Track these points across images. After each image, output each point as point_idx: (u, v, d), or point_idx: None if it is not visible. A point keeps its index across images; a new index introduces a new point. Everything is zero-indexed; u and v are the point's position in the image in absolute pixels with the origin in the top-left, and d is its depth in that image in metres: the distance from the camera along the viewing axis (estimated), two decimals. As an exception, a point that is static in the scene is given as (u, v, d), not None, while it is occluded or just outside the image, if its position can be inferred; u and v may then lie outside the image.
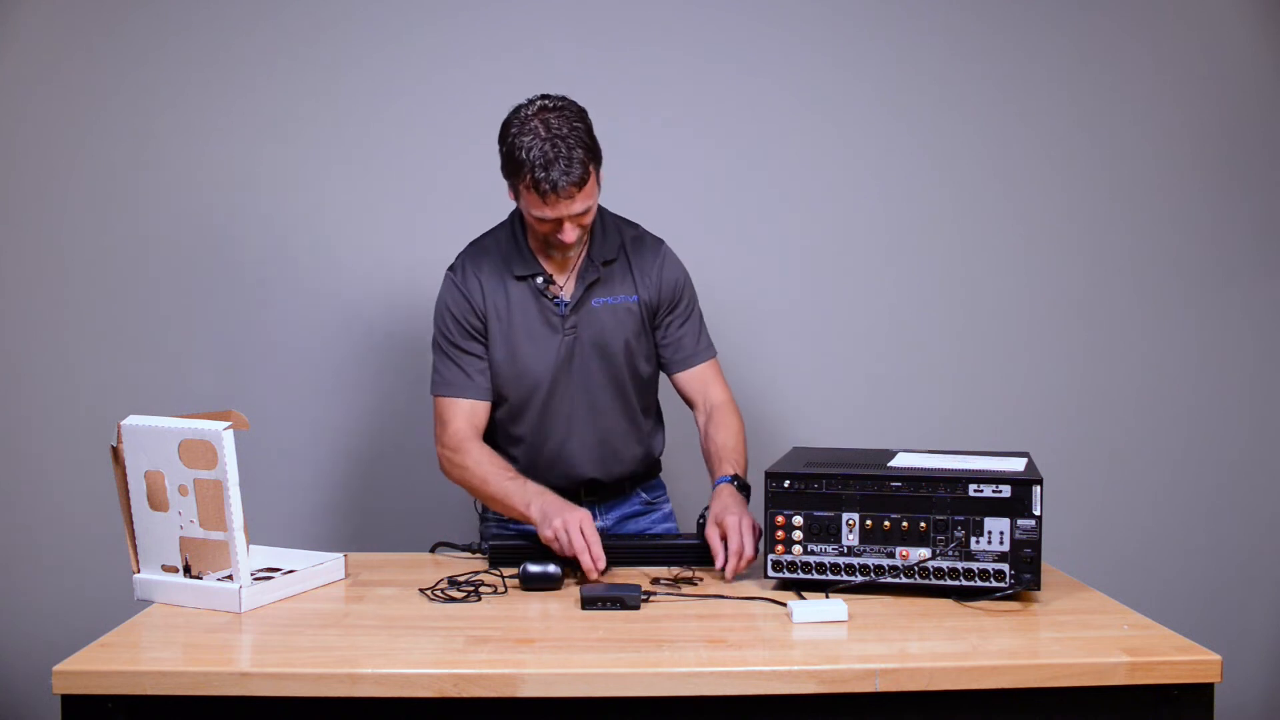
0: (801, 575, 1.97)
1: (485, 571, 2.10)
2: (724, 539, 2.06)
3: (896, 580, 1.94)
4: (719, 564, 2.05)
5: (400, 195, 3.00)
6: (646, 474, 2.46)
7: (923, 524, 1.92)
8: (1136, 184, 3.10)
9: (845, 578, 1.96)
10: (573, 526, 2.03)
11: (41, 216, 2.94)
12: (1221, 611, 3.10)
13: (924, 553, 1.93)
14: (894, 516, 1.94)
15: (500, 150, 2.13)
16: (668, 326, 2.35)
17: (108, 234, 2.94)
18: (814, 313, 3.07)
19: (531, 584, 2.01)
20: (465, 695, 1.58)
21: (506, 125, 2.12)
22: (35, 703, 2.84)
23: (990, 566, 1.90)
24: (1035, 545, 1.89)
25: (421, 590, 1.98)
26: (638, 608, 1.88)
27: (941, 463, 2.03)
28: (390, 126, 2.98)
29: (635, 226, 2.37)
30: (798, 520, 1.97)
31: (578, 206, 2.10)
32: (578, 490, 2.34)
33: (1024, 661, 1.64)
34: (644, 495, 2.46)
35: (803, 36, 3.03)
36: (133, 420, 1.92)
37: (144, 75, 2.93)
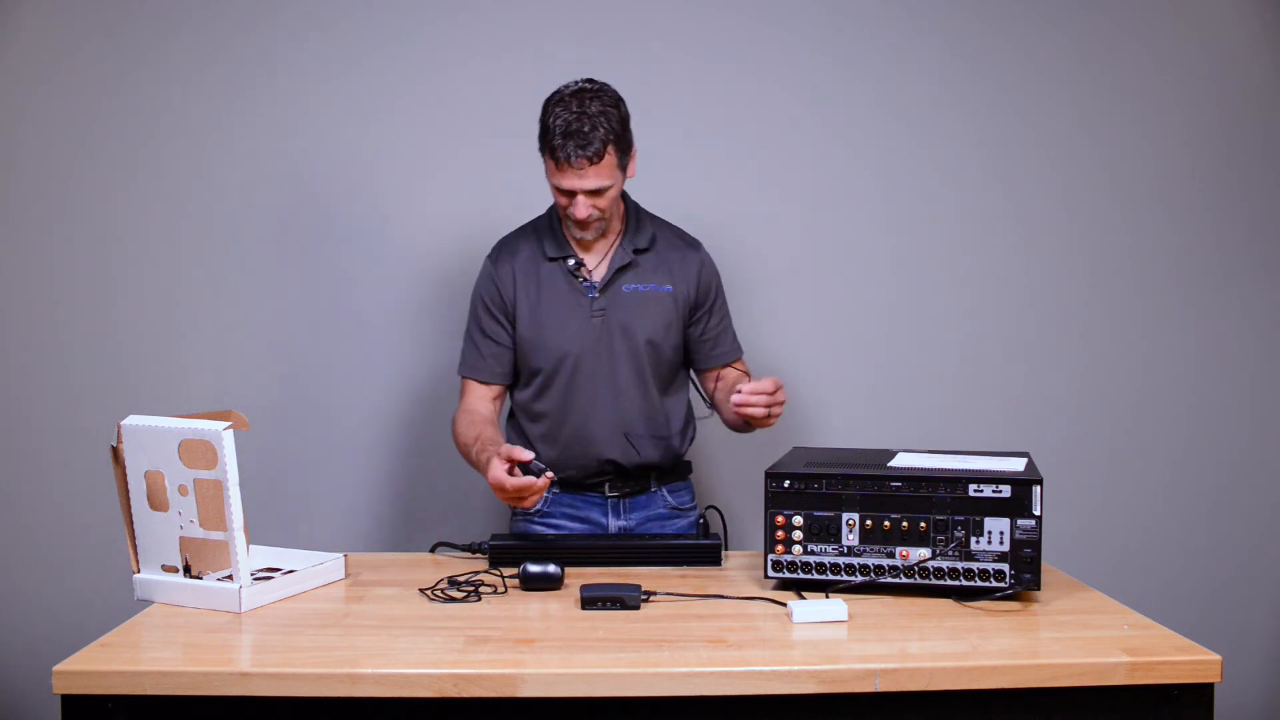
0: (801, 575, 1.97)
1: (485, 571, 2.10)
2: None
3: (896, 580, 1.94)
4: (746, 399, 2.12)
5: (399, 196, 3.00)
6: (672, 471, 2.48)
7: (923, 524, 1.92)
8: (1136, 184, 3.10)
9: (845, 578, 1.96)
10: (492, 470, 2.08)
11: (41, 216, 2.94)
12: (1221, 611, 3.10)
13: (924, 553, 1.93)
14: (894, 516, 1.94)
15: (538, 122, 2.25)
16: (703, 323, 2.43)
17: (107, 234, 2.94)
18: (814, 313, 3.07)
19: (531, 584, 2.01)
20: (465, 695, 1.58)
21: (547, 101, 2.25)
22: (35, 703, 2.84)
23: (990, 566, 1.90)
24: (1035, 545, 1.89)
25: (421, 590, 1.98)
26: (638, 608, 1.88)
27: (941, 463, 2.03)
28: (390, 128, 2.98)
29: (673, 226, 2.47)
30: (798, 520, 1.97)
31: (589, 181, 2.20)
32: (601, 482, 2.40)
33: (1024, 661, 1.64)
34: (669, 498, 2.48)
35: (802, 36, 3.03)
36: (133, 420, 1.92)
37: (144, 75, 2.93)
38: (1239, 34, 3.09)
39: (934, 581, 1.93)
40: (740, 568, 2.17)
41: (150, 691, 1.58)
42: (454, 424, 2.40)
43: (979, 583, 1.91)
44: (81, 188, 2.94)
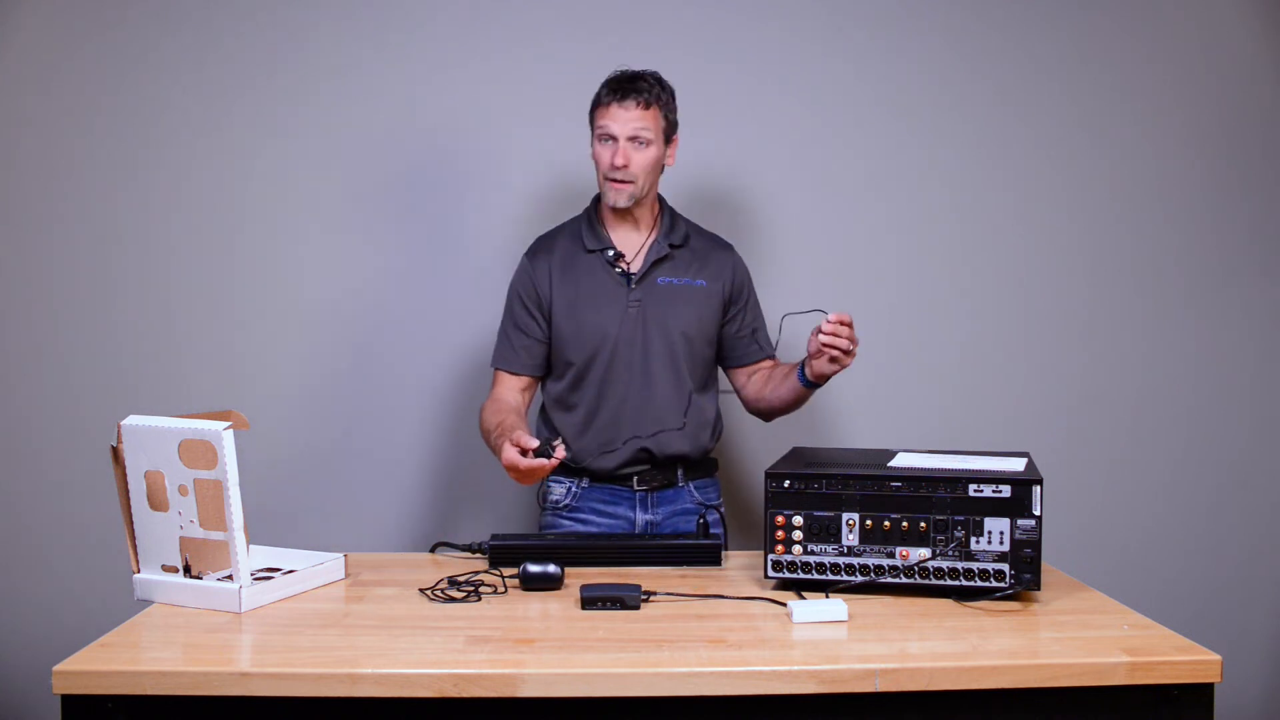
0: (801, 575, 1.97)
1: (485, 571, 2.10)
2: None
3: (896, 580, 1.94)
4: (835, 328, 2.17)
5: (399, 196, 3.00)
6: (699, 467, 2.51)
7: (923, 524, 1.93)
8: (1136, 184, 3.10)
9: (845, 578, 1.96)
10: (505, 453, 2.12)
11: (41, 216, 2.94)
12: (1221, 611, 3.10)
13: (924, 553, 1.93)
14: (894, 516, 1.94)
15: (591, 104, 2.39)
16: (738, 320, 2.51)
17: (108, 234, 2.94)
18: (813, 313, 3.07)
19: (531, 584, 2.01)
20: (465, 695, 1.58)
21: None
22: (35, 703, 2.84)
23: (990, 566, 1.90)
24: (1035, 545, 1.89)
25: (421, 590, 1.98)
26: (638, 608, 1.88)
27: (941, 463, 2.03)
28: (384, 130, 2.98)
29: (704, 229, 2.55)
30: (798, 520, 1.97)
31: (634, 123, 2.32)
32: (629, 475, 2.44)
33: (1024, 661, 1.64)
34: (696, 494, 2.50)
35: (802, 37, 3.03)
36: (133, 420, 1.92)
37: (143, 75, 2.93)
38: (1239, 34, 3.09)
39: (934, 581, 1.93)
40: (740, 568, 2.17)
41: (150, 691, 1.58)
42: (481, 411, 2.44)
43: (979, 583, 1.91)
44: (81, 188, 2.94)
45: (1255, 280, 3.12)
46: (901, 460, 2.07)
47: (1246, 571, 3.14)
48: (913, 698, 1.61)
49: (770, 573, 1.99)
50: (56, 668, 1.59)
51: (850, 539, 1.96)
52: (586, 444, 2.43)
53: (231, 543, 1.88)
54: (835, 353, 2.20)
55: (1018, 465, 2.01)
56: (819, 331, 2.19)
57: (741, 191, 3.03)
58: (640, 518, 2.46)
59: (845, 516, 1.96)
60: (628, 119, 2.32)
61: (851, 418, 3.08)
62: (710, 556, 2.19)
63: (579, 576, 2.03)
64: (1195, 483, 3.13)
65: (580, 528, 2.46)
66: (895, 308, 3.08)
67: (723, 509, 2.55)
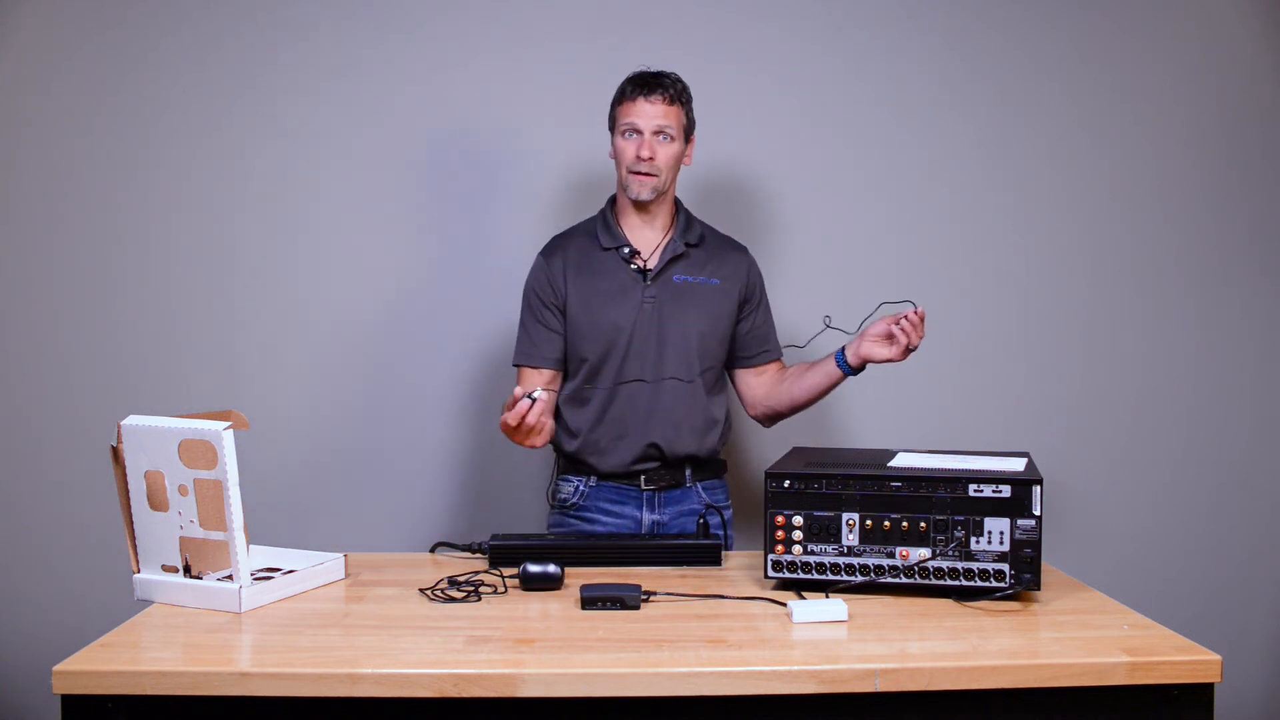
0: (801, 575, 1.97)
1: (485, 571, 2.10)
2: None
3: (896, 580, 1.94)
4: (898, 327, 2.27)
5: (398, 195, 3.00)
6: (707, 467, 2.52)
7: (923, 524, 1.93)
8: (1136, 184, 3.10)
9: (845, 578, 1.96)
10: (504, 423, 2.22)
11: (41, 216, 2.94)
12: (1221, 611, 3.10)
13: (924, 553, 1.93)
14: (894, 516, 1.94)
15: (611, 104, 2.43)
16: (750, 319, 2.53)
17: (108, 233, 2.94)
18: (813, 312, 3.06)
19: (531, 584, 2.01)
20: (465, 695, 1.58)
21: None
22: (35, 703, 2.84)
23: (990, 566, 1.90)
24: (1035, 545, 1.89)
25: (421, 590, 1.98)
26: (638, 608, 1.88)
27: (941, 463, 2.03)
28: (386, 129, 2.98)
29: (719, 232, 2.58)
30: (798, 520, 1.97)
31: (658, 118, 2.36)
32: (638, 474, 2.46)
33: (1024, 661, 1.64)
34: (704, 494, 2.51)
35: (802, 37, 3.03)
36: (133, 420, 1.92)
37: (143, 75, 2.93)
38: (1239, 34, 3.09)
39: (934, 581, 1.93)
40: (740, 568, 2.17)
41: (150, 691, 1.58)
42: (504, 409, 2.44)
43: (979, 583, 1.91)
44: (81, 188, 2.94)
45: (1255, 280, 3.12)
46: (901, 460, 2.07)
47: (1246, 571, 3.14)
48: (913, 698, 1.61)
49: (770, 573, 1.99)
50: (56, 668, 1.59)
51: (850, 539, 1.96)
52: (598, 438, 2.44)
53: (231, 543, 1.88)
54: (905, 343, 2.27)
55: (1018, 465, 2.01)
56: (903, 318, 2.26)
57: (740, 191, 3.03)
58: (647, 517, 2.47)
59: (845, 516, 1.96)
60: (653, 114, 2.36)
61: (851, 418, 3.08)
62: (710, 556, 2.19)
63: (579, 576, 2.03)
64: (1195, 483, 3.13)
65: (587, 527, 2.46)
66: (895, 307, 3.07)
67: (730, 511, 2.56)
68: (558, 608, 1.91)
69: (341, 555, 2.11)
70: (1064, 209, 3.09)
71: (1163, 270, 3.11)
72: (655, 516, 2.47)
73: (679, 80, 2.41)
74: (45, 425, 2.94)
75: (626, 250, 2.44)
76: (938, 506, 1.92)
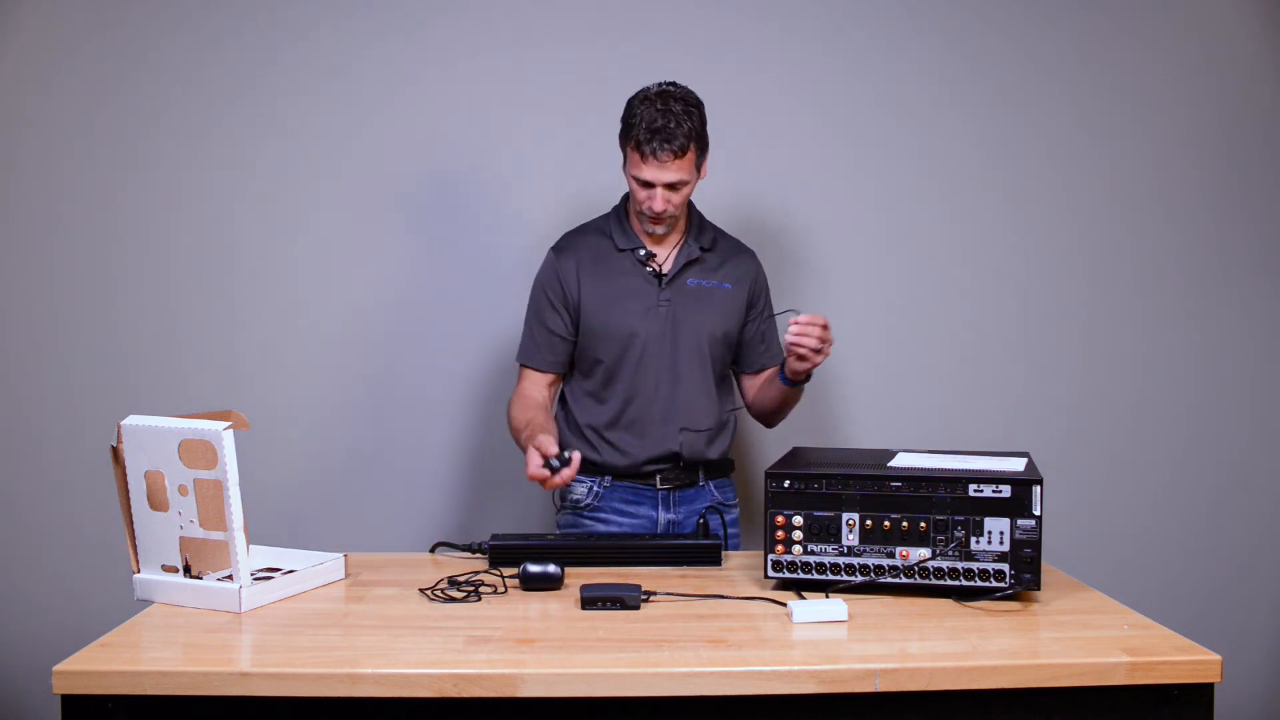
0: (801, 575, 1.97)
1: (485, 571, 2.10)
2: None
3: (896, 580, 1.94)
4: (803, 328, 2.19)
5: (398, 195, 3.00)
6: (719, 466, 2.54)
7: (923, 524, 1.93)
8: (1136, 184, 3.10)
9: (845, 578, 1.95)
10: (529, 460, 2.18)
11: (41, 216, 2.94)
12: (1221, 611, 3.10)
13: (924, 553, 1.93)
14: (894, 516, 1.94)
15: (621, 119, 2.35)
16: (754, 324, 2.54)
17: (108, 233, 2.94)
18: (813, 312, 3.06)
19: (531, 584, 2.01)
20: (465, 695, 1.58)
21: (630, 99, 2.34)
22: (35, 703, 2.84)
23: (990, 566, 1.90)
24: (1035, 545, 1.89)
25: (421, 590, 1.98)
26: (638, 608, 1.88)
27: (941, 463, 2.03)
28: (386, 128, 2.98)
29: (729, 235, 2.57)
30: (798, 520, 1.97)
31: (670, 175, 2.29)
32: (653, 474, 2.47)
33: (1024, 661, 1.64)
34: (716, 493, 2.52)
35: (802, 37, 3.03)
36: (133, 420, 1.92)
37: (143, 75, 2.93)
38: (1239, 34, 3.09)
39: (934, 581, 1.93)
40: (740, 568, 2.17)
41: (150, 691, 1.58)
42: (509, 407, 2.47)
43: (979, 583, 1.91)
44: (81, 188, 2.94)
45: (1255, 280, 3.12)
46: (901, 460, 2.07)
47: (1246, 571, 3.14)
48: (913, 698, 1.61)
49: (770, 573, 1.99)
50: (56, 668, 1.59)
51: (850, 539, 1.96)
52: (616, 442, 2.45)
53: (231, 543, 1.88)
54: (803, 350, 2.22)
55: (1018, 465, 2.01)
56: (789, 332, 2.22)
57: (740, 191, 3.03)
58: (663, 517, 2.48)
59: (845, 516, 1.96)
60: (662, 171, 2.29)
61: (851, 418, 3.08)
62: (710, 556, 2.19)
63: (579, 576, 2.03)
64: (1195, 483, 3.13)
65: (602, 527, 2.46)
66: (895, 307, 3.08)
67: (737, 510, 2.58)
68: (558, 608, 1.91)
69: (341, 555, 2.11)
70: (1064, 209, 3.09)
71: (1163, 270, 3.11)
72: (670, 515, 2.48)
73: (684, 120, 2.28)
74: (45, 425, 2.95)
75: (642, 253, 2.44)
76: (938, 506, 1.92)
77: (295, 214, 2.97)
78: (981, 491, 1.91)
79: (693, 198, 2.43)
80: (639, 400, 2.44)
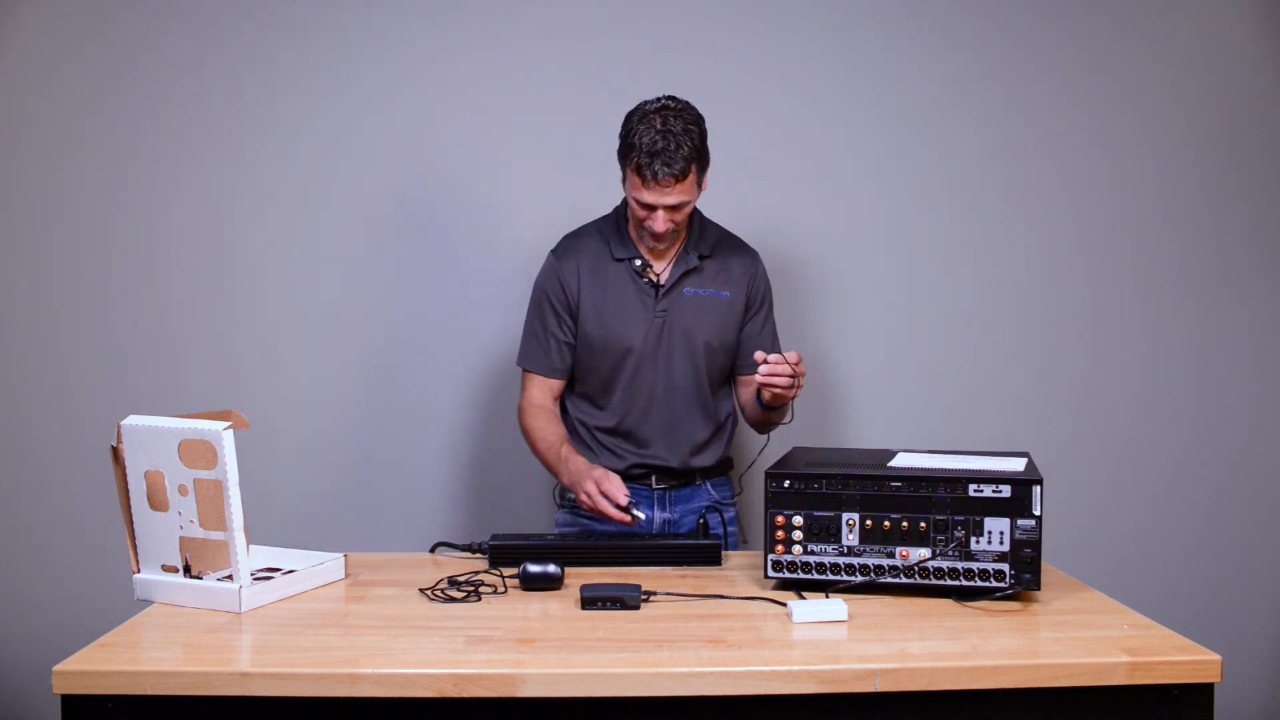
0: (801, 575, 1.97)
1: (485, 571, 2.10)
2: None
3: (896, 580, 1.94)
4: (772, 369, 2.15)
5: (398, 195, 2.99)
6: (715, 466, 2.54)
7: (923, 524, 1.92)
8: (1136, 184, 3.10)
9: (845, 578, 1.96)
10: (592, 490, 2.22)
11: (41, 216, 2.94)
12: (1221, 611, 3.10)
13: (924, 553, 1.93)
14: (894, 516, 1.94)
15: (620, 135, 2.31)
16: (750, 326, 2.50)
17: (108, 233, 2.94)
18: (813, 312, 3.07)
19: (531, 584, 2.01)
20: (465, 695, 1.58)
21: (630, 115, 2.30)
22: (35, 702, 2.84)
23: (990, 566, 1.90)
24: (1035, 545, 1.89)
25: (421, 590, 1.98)
26: (638, 608, 1.88)
27: (941, 463, 2.03)
28: (384, 131, 2.97)
29: (732, 234, 2.54)
30: (798, 520, 1.97)
31: (673, 198, 2.27)
32: (648, 474, 2.47)
33: (1024, 661, 1.64)
34: (713, 492, 2.53)
35: (802, 37, 3.03)
36: (133, 420, 1.92)
37: (143, 75, 2.93)
38: (1239, 34, 3.09)
39: (934, 581, 1.93)
40: (740, 568, 2.17)
41: (150, 691, 1.58)
42: (523, 415, 2.46)
43: (979, 583, 1.91)
44: (81, 188, 2.94)
45: (1255, 280, 3.12)
46: (901, 460, 2.07)
47: (1246, 571, 3.14)
48: (913, 698, 1.61)
49: (770, 573, 1.99)
50: (56, 668, 1.59)
51: (850, 539, 1.96)
52: (610, 448, 2.45)
53: (231, 543, 1.88)
54: (776, 391, 2.20)
55: (1018, 465, 2.01)
56: (758, 374, 2.19)
57: (740, 192, 3.03)
58: (659, 516, 2.48)
59: (845, 516, 1.96)
60: (664, 194, 2.26)
61: (851, 418, 3.08)
62: (710, 556, 2.19)
63: (579, 576, 2.03)
64: (1195, 483, 3.13)
65: (600, 526, 2.46)
66: (895, 308, 3.08)
67: (734, 509, 2.58)
68: (558, 608, 1.91)
69: (341, 555, 2.11)
70: (1064, 209, 3.09)
71: (1163, 270, 3.11)
72: (667, 515, 2.49)
73: (685, 141, 2.23)
74: (45, 425, 2.94)
75: (639, 263, 2.42)
76: (938, 506, 1.92)
77: (295, 214, 2.97)
78: (981, 491, 1.91)
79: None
80: (634, 412, 2.44)
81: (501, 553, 2.15)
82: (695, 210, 2.50)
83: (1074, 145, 3.08)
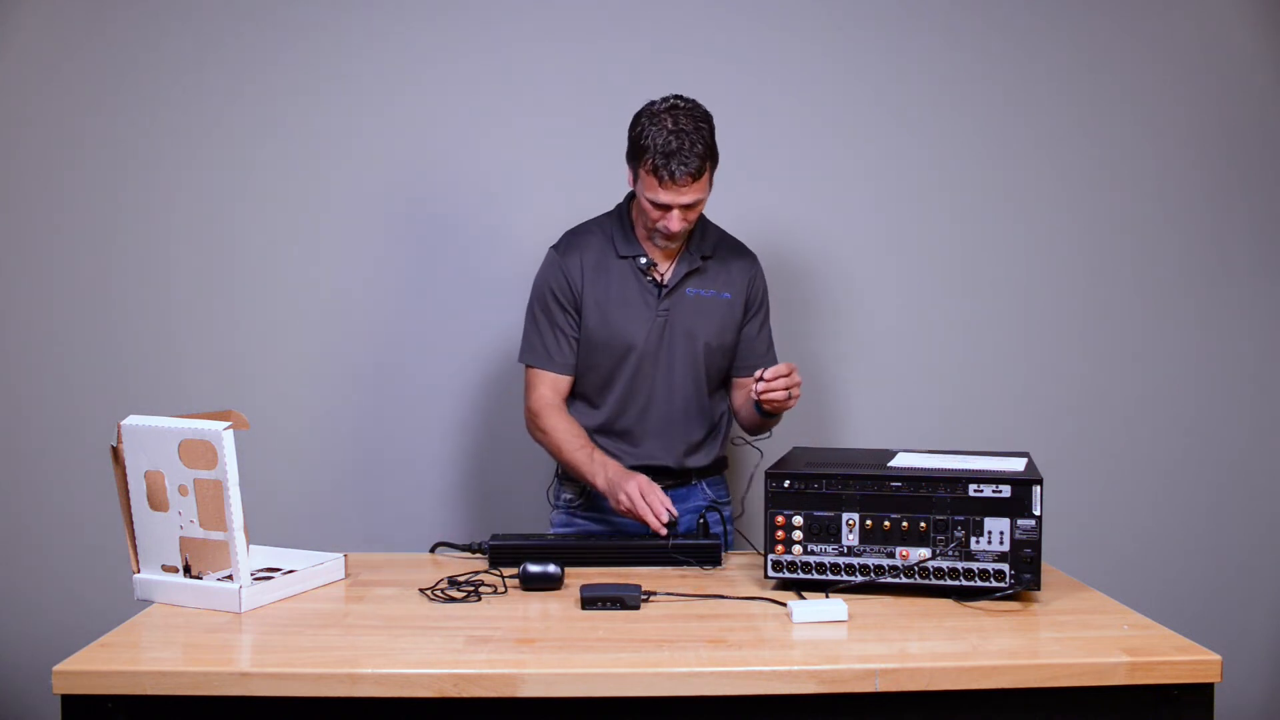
0: (801, 575, 1.97)
1: (485, 571, 2.10)
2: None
3: (896, 580, 1.94)
4: (768, 384, 2.18)
5: (398, 195, 2.99)
6: (711, 466, 2.54)
7: (923, 524, 1.93)
8: (1136, 184, 3.10)
9: (845, 578, 1.96)
10: (635, 495, 2.21)
11: (41, 216, 2.94)
12: (1221, 611, 3.10)
13: (924, 553, 1.93)
14: (894, 516, 1.94)
15: (629, 136, 2.30)
16: (747, 328, 2.50)
17: (108, 233, 2.94)
18: (813, 313, 3.07)
19: (531, 584, 2.01)
20: (465, 695, 1.58)
21: (638, 116, 2.29)
22: (35, 702, 2.84)
23: (990, 566, 1.90)
24: (1035, 545, 1.89)
25: (421, 590, 1.98)
26: (638, 608, 1.88)
27: (941, 463, 2.03)
28: (386, 129, 2.97)
29: (731, 236, 2.54)
30: (798, 520, 1.97)
31: (688, 197, 2.26)
32: (644, 472, 2.43)
33: (1024, 661, 1.64)
34: (709, 491, 2.53)
35: (802, 37, 3.03)
36: (133, 420, 1.92)
37: (143, 75, 2.93)
38: (1239, 34, 3.09)
39: (934, 581, 1.93)
40: (740, 568, 2.17)
41: (150, 691, 1.58)
42: (537, 415, 2.42)
43: (979, 583, 1.91)
44: (81, 188, 2.94)
45: (1255, 280, 3.12)
46: (901, 460, 2.07)
47: (1246, 571, 3.14)
48: (913, 698, 1.61)
49: (770, 573, 1.99)
50: (56, 668, 1.59)
51: (850, 539, 1.96)
52: (609, 444, 2.44)
53: (231, 543, 1.88)
54: (774, 405, 2.23)
55: (1018, 465, 2.01)
56: (754, 389, 2.22)
57: (741, 192, 3.03)
58: None
59: (845, 516, 1.96)
60: (680, 194, 2.25)
61: (851, 418, 3.08)
62: (710, 556, 2.19)
63: (579, 576, 2.03)
64: (1195, 483, 3.13)
65: (596, 527, 2.46)
66: (895, 308, 3.08)
67: (730, 509, 2.58)
68: (558, 608, 1.91)
69: (341, 555, 2.11)
70: (1064, 209, 3.09)
71: (1163, 270, 3.11)
72: None
73: (698, 139, 2.23)
74: (45, 425, 2.94)
75: (644, 261, 2.41)
76: (938, 506, 1.92)
77: (295, 214, 2.97)
78: (981, 491, 1.91)
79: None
80: (632, 410, 2.44)
81: (501, 553, 2.15)
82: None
83: (1074, 145, 3.08)
